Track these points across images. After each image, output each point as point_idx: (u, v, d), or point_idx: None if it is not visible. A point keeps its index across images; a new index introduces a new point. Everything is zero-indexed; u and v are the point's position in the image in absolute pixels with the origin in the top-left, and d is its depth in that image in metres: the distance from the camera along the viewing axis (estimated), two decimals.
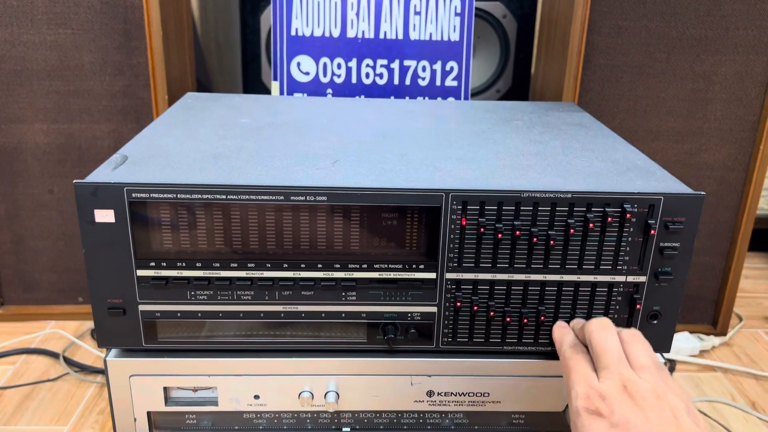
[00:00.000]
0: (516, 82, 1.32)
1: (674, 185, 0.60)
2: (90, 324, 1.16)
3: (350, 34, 1.06)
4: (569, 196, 0.58)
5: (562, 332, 0.59)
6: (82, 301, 1.16)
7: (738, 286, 1.13)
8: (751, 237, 1.12)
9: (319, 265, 0.60)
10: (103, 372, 1.02)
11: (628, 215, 0.58)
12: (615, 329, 0.55)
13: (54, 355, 1.07)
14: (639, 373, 0.50)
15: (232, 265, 0.60)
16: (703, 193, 0.58)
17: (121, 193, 0.56)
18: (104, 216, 0.57)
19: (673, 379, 0.51)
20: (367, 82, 1.07)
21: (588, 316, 0.62)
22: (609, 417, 0.47)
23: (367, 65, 1.07)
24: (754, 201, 1.08)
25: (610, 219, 0.58)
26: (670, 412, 0.47)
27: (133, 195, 0.56)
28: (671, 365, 1.08)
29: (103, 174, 0.58)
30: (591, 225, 0.58)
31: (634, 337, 0.54)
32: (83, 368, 1.04)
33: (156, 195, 0.57)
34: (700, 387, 1.04)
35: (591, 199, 0.58)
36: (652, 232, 0.58)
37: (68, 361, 1.05)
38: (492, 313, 0.62)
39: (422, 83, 1.08)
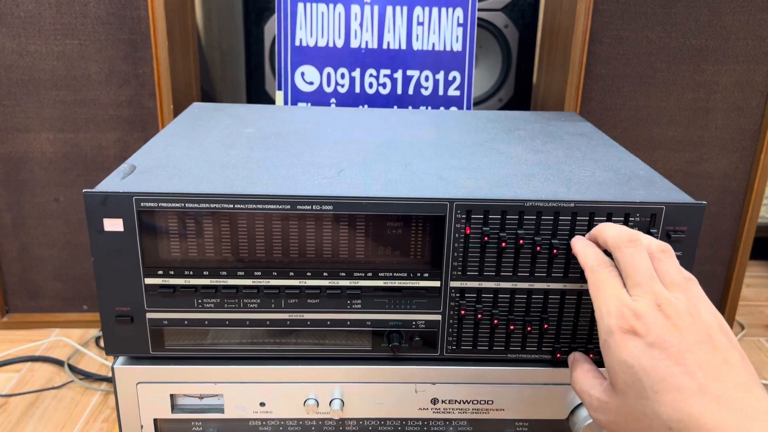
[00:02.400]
0: (518, 91, 1.33)
1: (676, 195, 0.61)
2: (94, 332, 1.16)
3: (354, 44, 1.07)
4: (572, 205, 0.58)
5: (585, 245, 0.56)
6: (86, 309, 1.17)
7: (740, 294, 1.14)
8: (753, 245, 1.12)
9: (325, 274, 0.61)
10: (107, 380, 1.03)
11: (630, 224, 0.59)
12: (644, 243, 0.52)
13: (59, 362, 1.08)
14: (671, 290, 0.49)
15: (239, 273, 0.60)
16: (704, 202, 0.58)
17: (130, 202, 0.57)
18: (113, 225, 0.58)
19: (703, 294, 0.50)
20: (371, 91, 1.08)
21: (591, 325, 0.63)
22: (645, 336, 0.46)
23: (371, 75, 1.08)
24: (755, 210, 1.09)
25: None
26: (705, 330, 0.46)
27: (142, 204, 0.57)
28: None
29: (112, 183, 0.59)
30: None
31: (663, 252, 0.52)
32: (88, 376, 1.04)
33: (164, 204, 0.57)
34: None
35: (593, 208, 0.59)
36: None
37: (73, 369, 1.06)
38: (496, 321, 0.62)
39: (425, 93, 1.09)
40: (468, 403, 0.66)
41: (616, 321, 0.48)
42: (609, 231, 0.54)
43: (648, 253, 0.51)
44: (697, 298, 0.49)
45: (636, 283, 0.49)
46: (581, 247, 0.56)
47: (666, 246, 0.52)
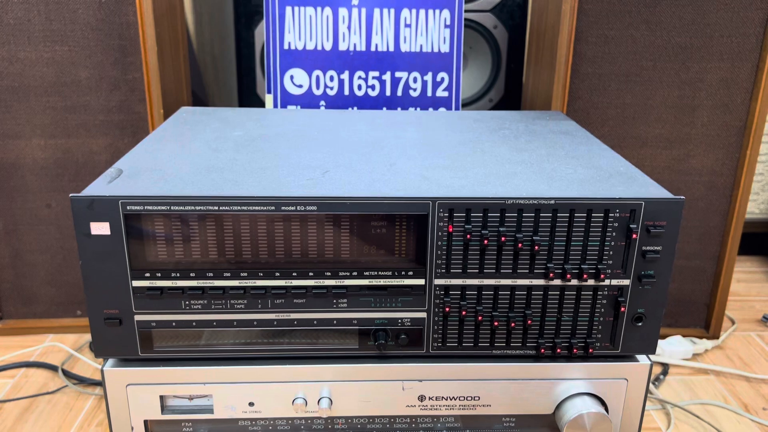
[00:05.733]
0: (508, 91, 1.34)
1: (655, 190, 0.61)
2: (88, 337, 1.17)
3: (342, 47, 1.08)
4: (552, 202, 0.59)
5: None
6: (80, 314, 1.17)
7: (729, 289, 1.15)
8: (742, 241, 1.13)
9: (311, 273, 0.62)
10: (101, 384, 1.03)
11: (610, 220, 0.60)
12: None
13: (53, 368, 1.08)
14: None
15: (225, 274, 0.61)
16: (682, 197, 0.59)
17: (116, 205, 0.58)
18: (100, 228, 0.58)
19: None
20: (360, 93, 1.09)
21: (574, 320, 0.64)
22: None
23: (359, 77, 1.09)
24: (742, 205, 1.09)
25: (593, 224, 0.60)
26: None
27: (128, 207, 0.58)
28: (664, 369, 1.09)
29: (98, 187, 0.60)
30: (574, 230, 0.60)
31: None
32: (82, 380, 1.05)
33: (150, 207, 0.58)
34: (693, 390, 1.05)
35: (574, 205, 0.59)
36: (634, 236, 0.60)
37: (67, 374, 1.06)
38: (480, 318, 0.63)
39: (413, 94, 1.10)
40: (455, 399, 0.66)
41: None
42: None
43: None
44: None
45: None
46: None
47: None
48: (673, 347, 1.12)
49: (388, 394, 0.66)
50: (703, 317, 1.18)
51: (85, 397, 1.01)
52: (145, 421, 0.66)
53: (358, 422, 0.67)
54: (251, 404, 0.66)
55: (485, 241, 0.60)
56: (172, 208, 0.58)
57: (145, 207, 0.58)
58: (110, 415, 0.65)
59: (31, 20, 1.00)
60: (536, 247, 0.60)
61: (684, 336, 1.16)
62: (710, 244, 1.13)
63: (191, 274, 0.61)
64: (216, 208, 0.58)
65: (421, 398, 0.66)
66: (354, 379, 0.65)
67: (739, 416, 0.99)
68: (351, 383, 0.65)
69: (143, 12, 0.99)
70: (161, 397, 0.65)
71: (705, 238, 1.12)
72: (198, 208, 0.58)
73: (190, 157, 0.70)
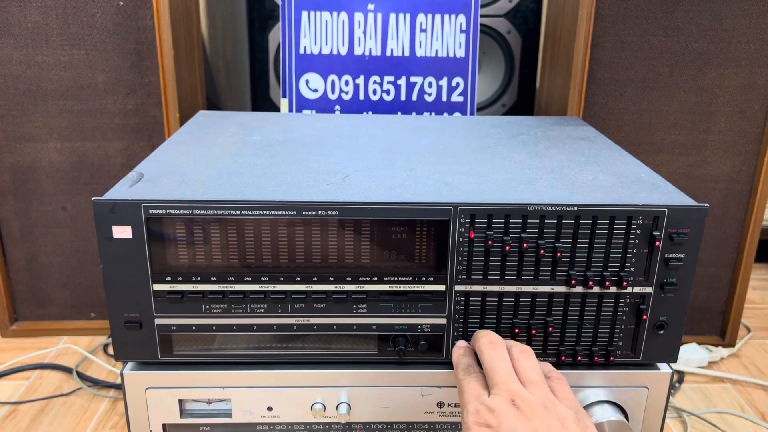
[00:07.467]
0: (521, 96, 1.34)
1: (678, 197, 0.61)
2: (102, 339, 1.17)
3: (357, 51, 1.08)
4: (575, 208, 0.59)
5: (458, 354, 0.60)
6: (94, 316, 1.18)
7: (745, 297, 1.14)
8: (758, 248, 1.12)
9: (331, 278, 0.62)
10: (116, 386, 1.04)
11: (633, 227, 0.59)
12: (504, 346, 0.56)
13: (67, 370, 1.08)
14: (528, 387, 0.52)
15: (246, 278, 0.61)
16: (706, 204, 0.59)
17: (139, 209, 0.58)
18: (122, 232, 0.58)
19: (568, 391, 0.53)
20: (375, 98, 1.09)
21: (595, 327, 0.63)
22: (497, 428, 0.49)
23: (375, 82, 1.09)
24: (759, 212, 1.09)
25: (615, 231, 0.60)
26: (558, 420, 0.49)
27: (150, 211, 0.58)
28: (680, 376, 1.09)
29: (120, 191, 0.60)
30: (597, 237, 0.60)
31: (523, 353, 0.56)
32: (96, 383, 1.05)
33: (172, 211, 0.58)
34: (710, 398, 1.04)
35: (596, 211, 0.59)
36: (657, 243, 0.59)
37: (81, 376, 1.07)
38: (500, 325, 0.63)
39: (429, 99, 1.10)
40: None
41: (473, 417, 0.51)
42: (478, 337, 0.58)
43: (510, 355, 0.55)
44: (557, 393, 0.52)
45: (494, 383, 0.53)
46: (456, 356, 0.60)
47: (526, 348, 0.57)
48: (689, 355, 1.11)
49: (407, 400, 0.66)
50: (719, 325, 1.17)
51: (100, 400, 1.01)
52: (164, 425, 0.66)
53: (376, 428, 0.67)
54: (270, 409, 0.65)
55: (507, 248, 0.60)
56: (193, 212, 0.58)
57: (168, 211, 0.58)
58: (129, 419, 0.65)
59: (49, 24, 1.00)
60: (558, 254, 0.60)
61: (699, 344, 1.15)
62: (726, 252, 1.12)
63: (212, 278, 0.61)
64: (238, 212, 0.58)
65: (440, 405, 0.66)
66: (373, 385, 0.65)
67: (756, 425, 0.98)
68: (370, 389, 0.65)
69: (160, 16, 1.00)
70: (180, 401, 0.65)
71: (721, 245, 1.12)
72: (220, 212, 0.58)
73: (210, 161, 0.70)
